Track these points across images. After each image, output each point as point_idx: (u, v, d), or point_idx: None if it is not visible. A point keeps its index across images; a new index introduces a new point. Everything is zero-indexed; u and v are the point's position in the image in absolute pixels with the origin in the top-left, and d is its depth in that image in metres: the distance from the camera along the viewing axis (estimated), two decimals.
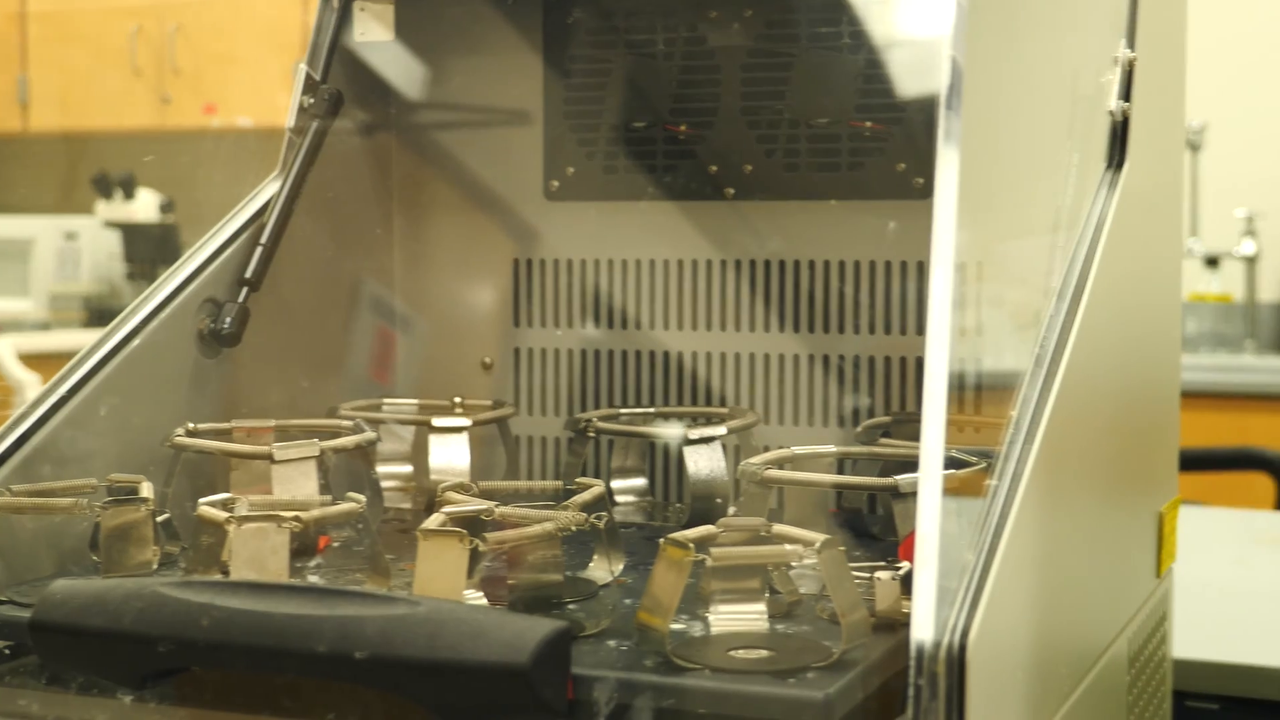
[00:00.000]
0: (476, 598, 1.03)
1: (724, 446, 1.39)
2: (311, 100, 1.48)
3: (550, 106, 1.58)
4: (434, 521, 1.01)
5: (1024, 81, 1.17)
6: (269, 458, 1.21)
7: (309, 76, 1.49)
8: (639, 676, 0.92)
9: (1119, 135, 1.25)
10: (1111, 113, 1.25)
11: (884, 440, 1.33)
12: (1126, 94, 1.26)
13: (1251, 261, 4.15)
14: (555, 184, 1.58)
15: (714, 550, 0.97)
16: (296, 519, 1.03)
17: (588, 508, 1.07)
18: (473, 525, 1.02)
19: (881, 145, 1.48)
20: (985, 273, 1.14)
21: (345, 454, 1.28)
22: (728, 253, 1.54)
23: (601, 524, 1.05)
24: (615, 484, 1.48)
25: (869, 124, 1.48)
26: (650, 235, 1.55)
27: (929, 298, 0.92)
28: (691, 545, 0.95)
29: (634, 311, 1.56)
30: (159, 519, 1.17)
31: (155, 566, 1.14)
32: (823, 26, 1.49)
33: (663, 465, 1.52)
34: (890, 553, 1.20)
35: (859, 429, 1.42)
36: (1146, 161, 1.30)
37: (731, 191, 1.52)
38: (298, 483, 1.20)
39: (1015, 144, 1.17)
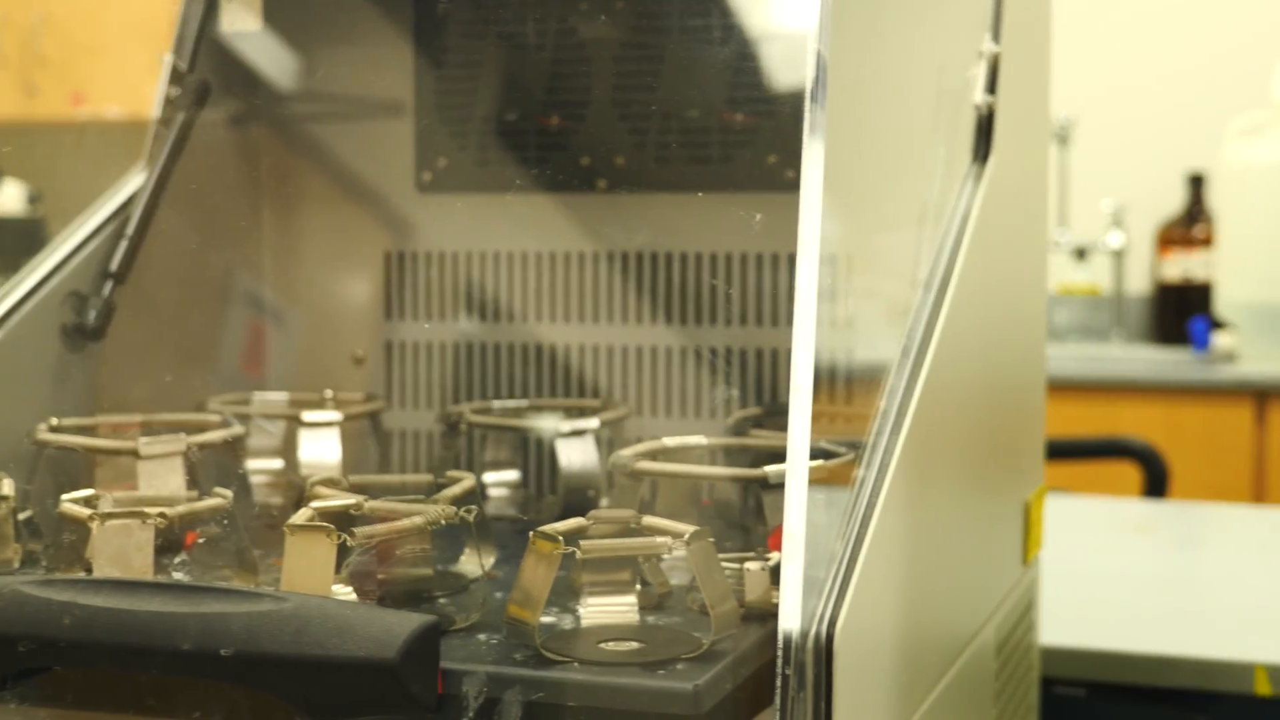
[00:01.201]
0: (345, 593, 1.02)
1: (596, 439, 1.39)
2: (178, 91, 1.46)
3: (421, 98, 1.57)
4: (301, 516, 1.00)
5: (890, 75, 1.18)
6: (134, 453, 1.19)
7: (175, 67, 1.47)
8: (508, 670, 0.91)
9: (984, 129, 1.26)
10: (977, 106, 1.26)
11: (755, 431, 1.34)
12: (992, 88, 1.27)
13: (1119, 254, 4.21)
14: (427, 176, 1.57)
15: (584, 543, 0.97)
16: (161, 515, 1.02)
17: (458, 501, 1.06)
18: (341, 520, 1.01)
19: (752, 138, 1.48)
20: (855, 265, 1.15)
21: (213, 449, 1.26)
22: (600, 245, 1.53)
23: (471, 517, 1.04)
24: (488, 477, 1.47)
25: (740, 117, 1.48)
26: (522, 227, 1.55)
27: (795, 289, 0.93)
28: (561, 538, 0.94)
29: (507, 304, 1.55)
30: (20, 516, 1.15)
31: (17, 565, 1.12)
32: (694, 20, 1.49)
33: (536, 458, 1.52)
34: (761, 544, 1.21)
35: (730, 420, 1.42)
36: (1012, 154, 1.32)
37: (603, 184, 1.52)
38: (164, 478, 1.18)
39: (883, 137, 1.18)
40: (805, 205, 0.93)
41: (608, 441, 1.45)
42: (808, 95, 0.95)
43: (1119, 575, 1.98)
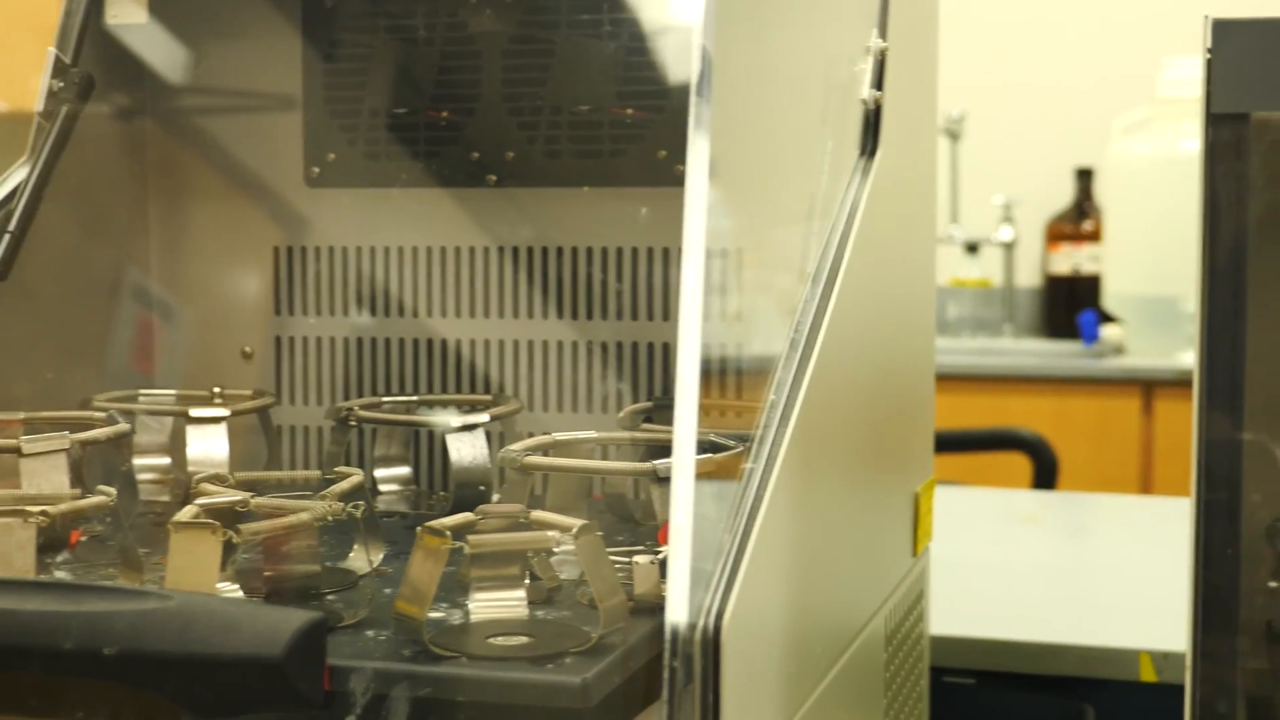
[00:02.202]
0: (232, 590, 1.01)
1: (488, 434, 1.38)
2: (61, 84, 1.44)
3: (310, 91, 1.56)
4: (186, 513, 0.99)
5: (778, 70, 1.19)
6: (17, 451, 1.17)
7: (58, 60, 1.45)
8: (396, 666, 0.91)
9: (871, 123, 1.27)
10: (864, 101, 1.27)
11: (646, 425, 1.34)
12: (879, 83, 1.28)
13: (1009, 247, 4.25)
14: (316, 170, 1.56)
15: (472, 538, 0.97)
16: (44, 513, 1.01)
17: (346, 497, 1.06)
18: (228, 517, 1.01)
19: (643, 132, 1.48)
20: (744, 259, 1.16)
21: (99, 447, 1.25)
22: (491, 240, 1.53)
23: (359, 513, 1.04)
24: (379, 473, 1.46)
25: (630, 111, 1.48)
26: (413, 222, 1.54)
27: (681, 283, 0.93)
28: (449, 533, 0.94)
29: (398, 299, 1.54)
30: None
31: None
32: (584, 14, 1.49)
33: (427, 454, 1.51)
34: (651, 537, 1.21)
35: (621, 414, 1.42)
36: (899, 149, 1.33)
37: (494, 178, 1.52)
38: (47, 476, 1.17)
39: (771, 132, 1.19)
40: (690, 199, 0.93)
41: (499, 436, 1.45)
42: (693, 90, 0.95)
43: (1008, 565, 2.00)
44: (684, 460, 0.88)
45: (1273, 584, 1.11)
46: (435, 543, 0.94)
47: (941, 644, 1.61)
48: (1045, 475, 2.81)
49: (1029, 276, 4.33)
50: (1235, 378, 0.88)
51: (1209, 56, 0.90)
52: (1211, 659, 0.89)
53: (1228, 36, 0.90)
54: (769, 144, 1.18)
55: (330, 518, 1.02)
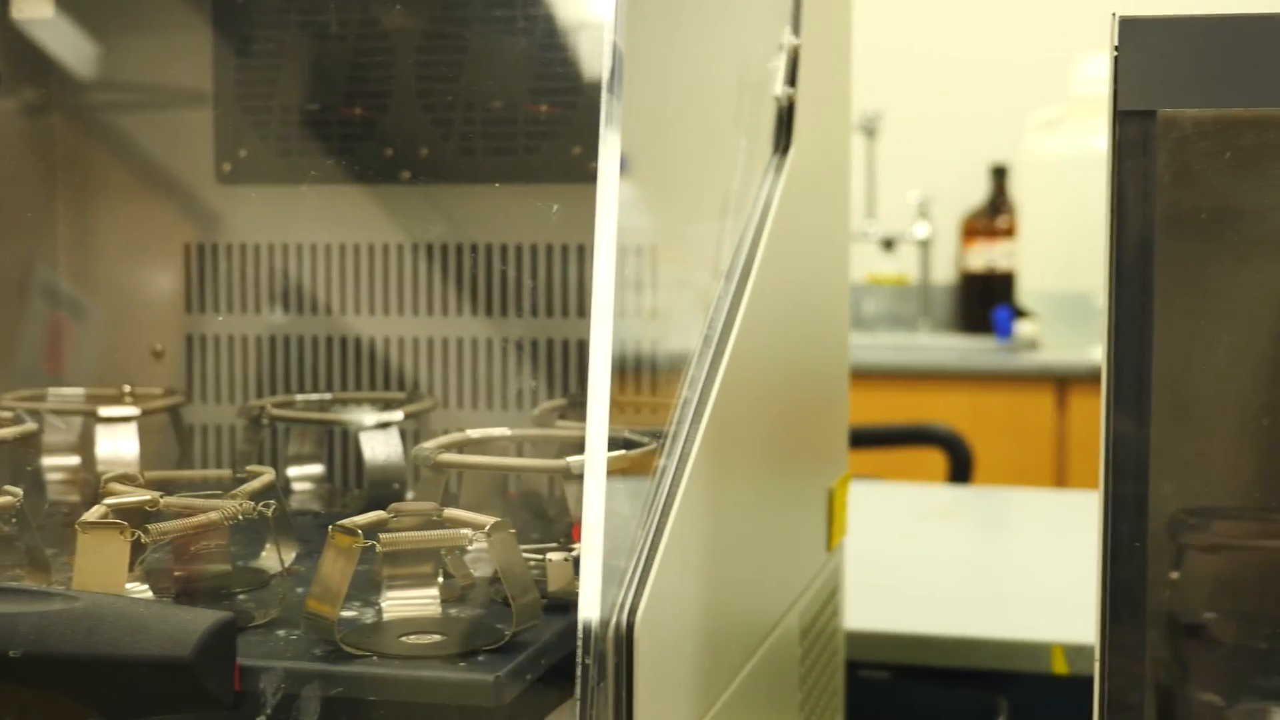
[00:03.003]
0: (141, 591, 1.00)
1: (402, 432, 1.38)
2: None
3: (221, 87, 1.55)
4: (94, 514, 0.98)
5: (691, 66, 1.19)
6: None
7: None
8: (306, 665, 0.91)
9: (785, 121, 1.27)
10: (777, 98, 1.27)
11: (560, 422, 1.34)
12: (792, 80, 1.28)
13: (925, 244, 4.28)
14: (227, 167, 1.54)
15: (384, 536, 0.96)
16: None
17: (257, 496, 1.05)
18: (136, 516, 1.00)
19: (557, 129, 1.48)
20: (658, 256, 1.16)
21: (6, 446, 1.23)
22: (405, 237, 1.52)
23: (270, 512, 1.03)
24: (292, 471, 1.45)
25: (544, 108, 1.48)
26: (326, 219, 1.53)
27: (593, 280, 0.93)
28: (360, 531, 0.94)
29: (312, 297, 1.53)
30: None
31: None
32: (497, 10, 1.49)
33: (341, 452, 1.50)
34: (566, 534, 1.21)
35: (536, 412, 1.42)
36: (813, 146, 1.33)
37: (408, 175, 1.51)
38: None
39: (684, 128, 1.19)
40: (601, 196, 0.93)
41: (413, 434, 1.44)
42: (604, 86, 0.95)
43: (923, 560, 2.01)
44: (596, 457, 0.88)
45: (1175, 576, 1.12)
46: (347, 541, 0.93)
47: (857, 638, 1.61)
48: (960, 470, 2.83)
49: (945, 273, 4.36)
50: (1143, 372, 0.89)
51: (1116, 54, 0.91)
52: (1120, 651, 0.90)
53: (1135, 34, 0.91)
54: (683, 141, 1.18)
55: (241, 517, 1.01)
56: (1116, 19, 0.91)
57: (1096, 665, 0.90)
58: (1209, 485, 1.19)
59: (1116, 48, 0.91)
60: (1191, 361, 1.09)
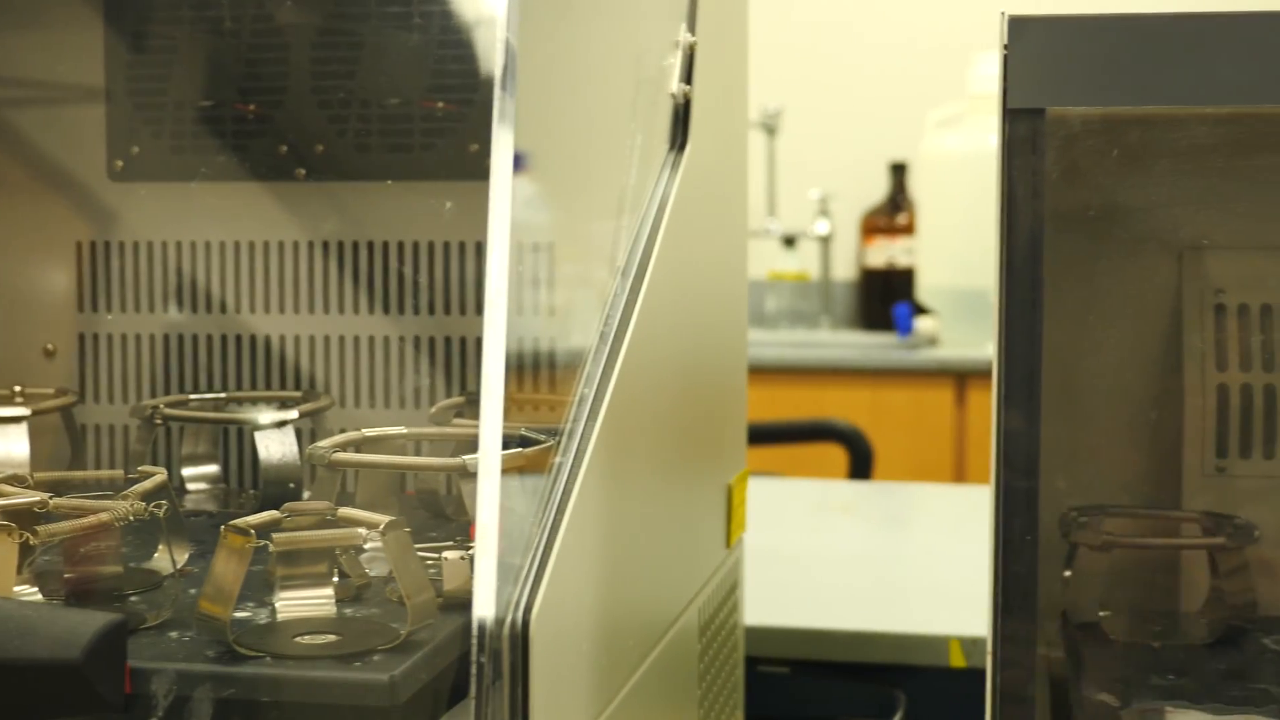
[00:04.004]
0: (30, 593, 0.99)
1: (298, 431, 1.37)
2: None
3: (113, 83, 1.53)
4: None
5: (587, 63, 1.19)
6: None
7: None
8: (198, 667, 0.90)
9: (681, 118, 1.27)
10: (673, 95, 1.27)
11: (457, 421, 1.34)
12: (688, 77, 1.28)
13: (826, 241, 4.30)
14: (120, 164, 1.52)
15: (277, 535, 0.95)
16: None
17: (149, 496, 1.04)
18: (26, 518, 0.98)
19: (454, 126, 1.48)
20: (554, 253, 1.15)
21: None
22: (301, 234, 1.51)
23: (162, 513, 1.02)
24: (186, 471, 1.44)
25: (441, 104, 1.48)
26: (221, 216, 1.52)
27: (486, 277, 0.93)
28: (253, 531, 0.93)
29: (207, 295, 1.52)
30: None
31: None
32: (393, 6, 1.48)
33: (236, 452, 1.49)
34: (463, 533, 1.21)
35: (434, 410, 1.42)
36: (709, 143, 1.33)
37: (303, 172, 1.50)
38: None
39: (581, 125, 1.19)
40: (495, 193, 0.93)
41: (310, 433, 1.43)
42: (497, 83, 0.95)
43: (823, 555, 2.02)
44: (490, 455, 0.88)
45: (1067, 574, 1.14)
46: (239, 541, 0.92)
47: (756, 634, 1.62)
48: (861, 466, 2.85)
49: (845, 269, 4.39)
50: (1032, 367, 0.90)
51: (1005, 52, 0.92)
52: (1012, 644, 0.91)
53: (1024, 33, 0.92)
54: (579, 138, 1.18)
55: (132, 518, 1.00)
56: (1006, 18, 0.92)
57: (989, 658, 0.91)
58: (1099, 479, 1.21)
59: (1006, 46, 0.92)
60: (1080, 356, 1.11)
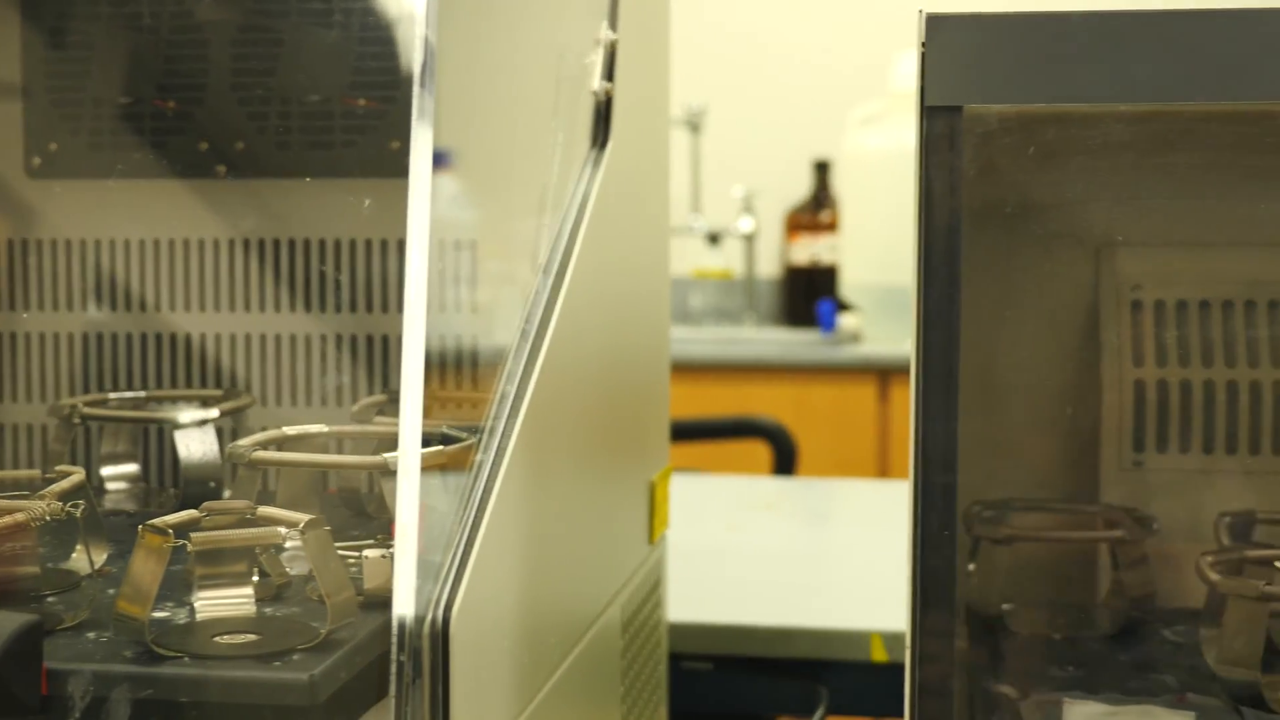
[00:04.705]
0: None
1: (219, 430, 1.36)
2: None
3: (31, 79, 1.51)
4: None
5: (508, 61, 1.19)
6: None
7: None
8: (115, 668, 0.89)
9: (602, 115, 1.27)
10: (595, 93, 1.27)
11: (379, 419, 1.33)
12: (609, 75, 1.28)
13: (750, 238, 4.31)
14: (38, 161, 1.51)
15: (195, 535, 0.95)
16: None
17: (66, 496, 1.03)
18: None
19: (375, 123, 1.47)
20: (477, 250, 1.15)
21: None
22: (222, 232, 1.50)
23: (80, 513, 1.01)
24: (106, 471, 1.43)
25: (362, 102, 1.47)
26: (140, 214, 1.51)
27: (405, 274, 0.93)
28: (171, 531, 0.92)
29: (127, 293, 1.51)
30: None
31: None
32: (314, 2, 1.47)
33: (157, 451, 1.48)
34: (385, 531, 1.20)
35: (356, 408, 1.41)
36: (631, 141, 1.34)
37: (223, 169, 1.49)
38: None
39: (502, 123, 1.19)
40: (414, 190, 0.93)
41: (231, 432, 1.42)
42: (416, 81, 0.95)
43: (746, 551, 2.03)
44: (409, 453, 0.87)
45: (971, 567, 1.15)
46: (156, 541, 0.92)
47: (679, 630, 1.62)
48: (784, 462, 2.86)
49: (769, 266, 4.40)
50: (950, 364, 0.90)
51: (923, 50, 0.92)
52: (930, 638, 0.91)
53: (941, 31, 0.92)
54: (501, 135, 1.18)
55: (49, 518, 0.99)
56: (923, 15, 0.92)
57: (908, 653, 0.92)
58: (1018, 475, 1.22)
59: (923, 44, 0.92)
60: (999, 352, 1.12)
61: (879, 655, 1.63)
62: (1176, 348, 1.24)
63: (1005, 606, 1.16)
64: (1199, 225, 1.23)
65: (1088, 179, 1.13)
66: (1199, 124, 1.09)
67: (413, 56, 1.45)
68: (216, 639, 0.94)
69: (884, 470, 3.66)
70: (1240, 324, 1.23)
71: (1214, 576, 1.02)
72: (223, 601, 0.98)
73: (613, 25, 1.30)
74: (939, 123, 0.91)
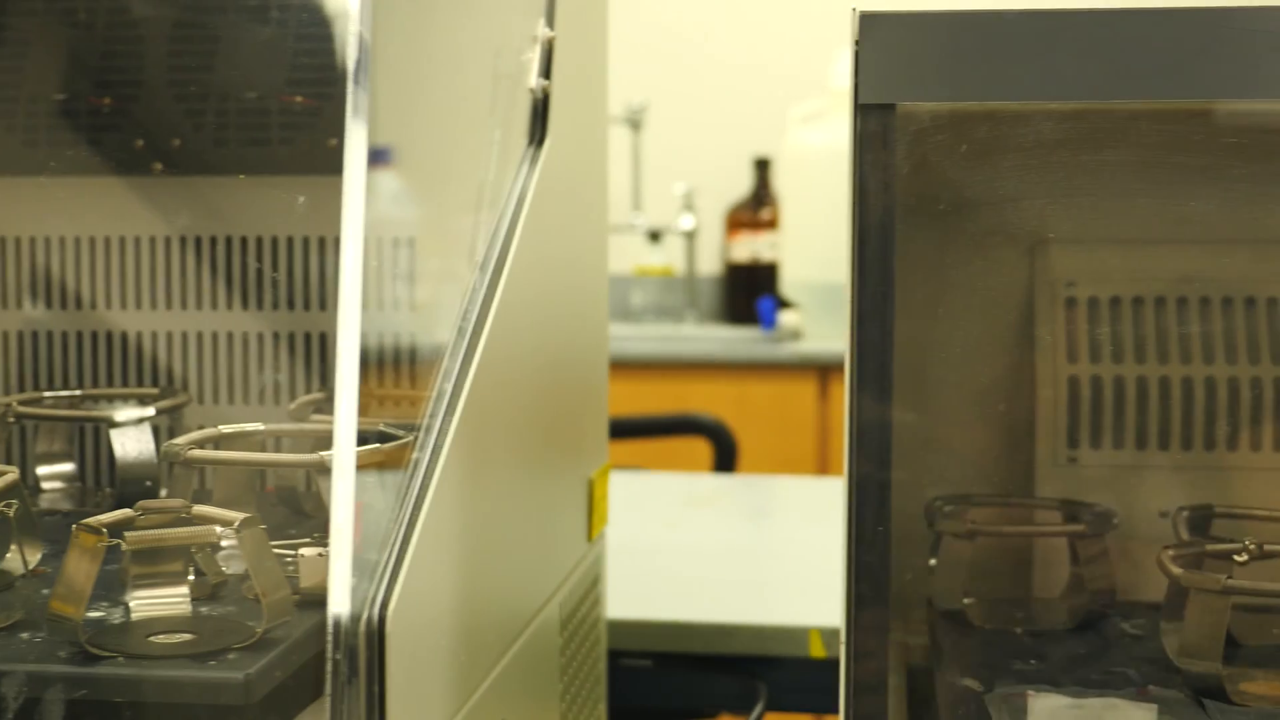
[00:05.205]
0: None
1: (155, 428, 1.35)
2: None
3: None
4: None
5: (445, 58, 1.18)
6: None
7: None
8: (50, 668, 0.89)
9: (539, 112, 1.27)
10: (532, 90, 1.27)
11: (316, 416, 1.33)
12: (547, 72, 1.28)
13: (691, 236, 4.32)
14: None
15: (129, 534, 0.94)
16: None
17: (0, 495, 1.02)
18: None
19: (313, 120, 1.46)
20: (418, 249, 1.15)
21: None
22: (158, 229, 1.49)
23: (13, 512, 1.00)
24: (41, 470, 1.42)
25: (299, 99, 1.46)
26: (76, 211, 1.50)
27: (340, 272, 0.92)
28: (105, 530, 0.92)
29: (62, 291, 1.50)
30: None
31: None
32: None
33: (93, 450, 1.47)
34: (323, 529, 1.20)
35: (293, 406, 1.40)
36: (568, 138, 1.34)
37: (160, 166, 1.48)
38: None
39: (440, 120, 1.18)
40: (348, 187, 0.93)
41: (168, 430, 1.41)
42: (351, 77, 0.95)
43: (686, 548, 2.03)
44: (344, 451, 0.87)
45: (932, 562, 1.15)
46: (90, 540, 0.91)
47: (619, 627, 1.62)
48: (725, 459, 2.86)
49: (710, 264, 4.41)
50: (884, 361, 0.91)
51: (857, 48, 0.93)
52: (866, 634, 0.92)
53: (875, 29, 0.93)
54: (439, 133, 1.18)
55: None
56: (857, 14, 0.93)
57: (843, 648, 0.92)
58: (954, 470, 1.23)
59: (857, 42, 0.93)
60: (934, 349, 1.12)
61: (818, 651, 1.63)
62: (1110, 344, 1.25)
63: (966, 601, 1.17)
64: (1131, 222, 1.24)
65: (1021, 176, 1.14)
66: (1130, 122, 1.10)
67: (348, 53, 1.45)
68: (151, 639, 0.94)
69: (824, 467, 3.68)
70: (1172, 320, 1.24)
71: (1176, 570, 1.03)
72: (158, 601, 0.98)
73: (550, 22, 1.30)
74: (872, 120, 0.92)
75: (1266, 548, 1.06)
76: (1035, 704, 1.00)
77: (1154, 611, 1.11)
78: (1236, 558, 1.05)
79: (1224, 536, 1.12)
